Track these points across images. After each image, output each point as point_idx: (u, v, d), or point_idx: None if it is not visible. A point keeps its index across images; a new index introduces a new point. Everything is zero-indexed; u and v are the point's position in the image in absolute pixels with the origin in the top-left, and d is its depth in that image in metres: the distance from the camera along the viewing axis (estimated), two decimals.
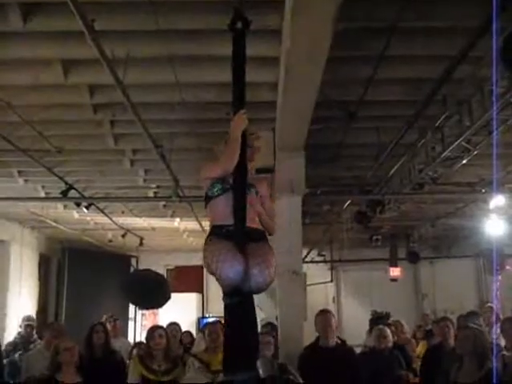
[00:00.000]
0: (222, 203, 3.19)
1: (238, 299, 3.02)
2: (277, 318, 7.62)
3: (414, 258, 14.24)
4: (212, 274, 3.06)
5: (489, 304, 9.96)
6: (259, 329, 8.80)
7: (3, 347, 7.29)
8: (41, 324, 10.62)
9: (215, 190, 3.23)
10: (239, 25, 3.35)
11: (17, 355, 6.53)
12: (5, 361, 6.74)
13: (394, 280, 14.46)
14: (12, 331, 10.67)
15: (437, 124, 6.61)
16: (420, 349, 8.38)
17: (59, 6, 4.15)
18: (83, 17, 3.86)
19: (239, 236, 3.07)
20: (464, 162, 7.05)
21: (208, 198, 3.28)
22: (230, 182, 3.18)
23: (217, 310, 12.50)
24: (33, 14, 4.56)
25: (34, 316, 9.84)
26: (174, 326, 6.98)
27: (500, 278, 13.63)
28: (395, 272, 14.39)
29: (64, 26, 4.65)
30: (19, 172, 8.83)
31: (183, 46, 5.03)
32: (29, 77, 5.64)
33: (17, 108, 6.19)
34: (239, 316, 3.06)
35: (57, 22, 4.63)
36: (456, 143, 6.41)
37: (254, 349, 3.15)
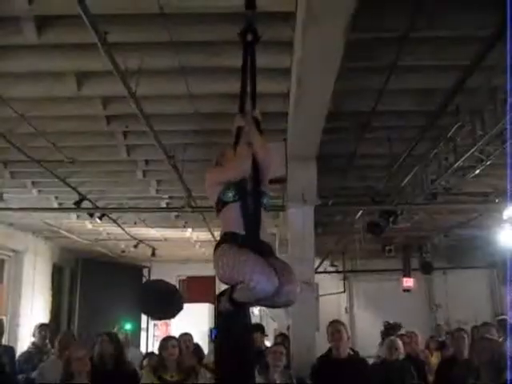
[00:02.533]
0: (237, 210, 3.11)
1: (242, 309, 2.98)
2: (288, 328, 7.60)
3: (427, 268, 14.15)
4: (231, 281, 2.98)
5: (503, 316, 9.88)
6: (272, 339, 8.78)
7: (16, 357, 7.31)
8: (54, 333, 10.65)
9: (231, 194, 3.13)
10: (249, 37, 3.38)
11: (34, 374, 6.49)
12: (20, 376, 6.73)
13: (406, 290, 14.37)
14: (25, 342, 10.72)
15: (449, 134, 6.58)
16: (434, 360, 8.31)
17: (73, 19, 4.19)
18: (96, 29, 3.90)
19: (257, 247, 3.02)
20: (477, 171, 7.02)
21: (223, 203, 3.18)
22: (246, 187, 3.13)
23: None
24: (47, 26, 4.62)
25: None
26: (186, 336, 6.96)
27: None
28: (408, 282, 14.30)
29: (77, 39, 4.70)
30: (33, 183, 8.90)
31: (195, 57, 5.06)
32: (43, 89, 5.69)
33: (31, 119, 6.25)
34: (240, 325, 3.01)
35: (70, 35, 4.68)
36: (469, 153, 6.38)
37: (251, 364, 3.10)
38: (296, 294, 3.02)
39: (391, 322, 11.79)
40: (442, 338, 9.40)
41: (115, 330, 8.51)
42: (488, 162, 6.68)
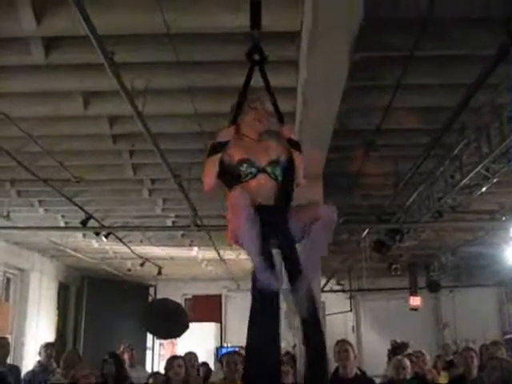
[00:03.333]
0: (254, 186, 2.98)
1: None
2: (294, 347, 7.54)
3: (434, 287, 14.07)
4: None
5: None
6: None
7: (22, 376, 7.29)
8: (60, 352, 10.62)
9: (247, 172, 3.00)
10: (256, 56, 3.40)
11: None
12: None
13: (414, 309, 14.27)
14: (30, 360, 10.68)
15: (455, 152, 6.59)
16: (441, 380, 8.22)
17: (80, 39, 4.23)
18: (103, 49, 3.94)
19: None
20: (483, 189, 7.01)
21: (236, 180, 3.02)
22: (257, 164, 3.01)
23: (235, 340, 12.44)
24: (54, 47, 4.67)
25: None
26: (190, 355, 6.93)
27: None
28: (415, 301, 14.21)
29: (84, 59, 4.74)
30: (40, 201, 8.94)
31: (201, 76, 5.10)
32: (50, 108, 5.74)
33: (38, 138, 6.29)
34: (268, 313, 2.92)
35: (77, 55, 4.73)
36: (475, 171, 6.38)
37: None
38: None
39: (398, 341, 11.72)
40: (450, 357, 9.31)
41: (121, 349, 8.47)
42: (494, 180, 6.68)
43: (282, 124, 3.28)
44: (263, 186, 3.00)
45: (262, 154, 3.07)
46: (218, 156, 3.06)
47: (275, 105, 3.33)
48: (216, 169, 3.05)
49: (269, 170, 3.03)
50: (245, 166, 3.02)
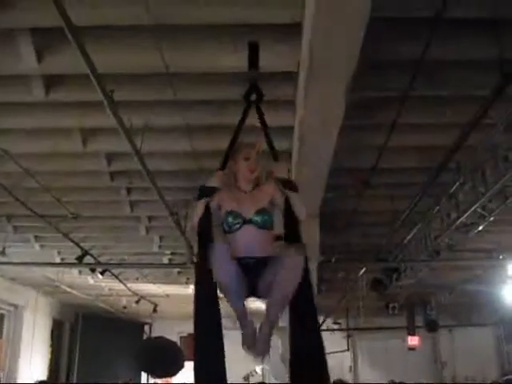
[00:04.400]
0: (240, 237, 3.00)
1: None
2: None
3: (432, 326, 13.96)
4: None
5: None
6: None
7: None
8: None
9: (233, 223, 3.02)
10: (253, 96, 3.45)
11: None
12: None
13: (412, 349, 14.14)
14: None
15: (451, 191, 6.61)
16: None
17: (80, 78, 4.28)
18: (103, 88, 3.98)
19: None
20: (480, 228, 7.01)
21: (223, 231, 3.08)
22: (243, 215, 3.03)
23: (231, 379, 12.21)
24: (54, 85, 4.72)
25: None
26: None
27: None
28: (413, 341, 14.08)
29: (84, 97, 4.79)
30: (35, 237, 8.91)
31: (199, 115, 5.15)
32: (49, 145, 5.77)
33: (36, 174, 6.31)
34: None
35: (77, 93, 4.78)
36: (471, 210, 6.39)
37: None
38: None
39: (397, 381, 11.58)
40: None
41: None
42: (491, 219, 6.68)
43: (277, 162, 3.31)
44: (248, 238, 3.01)
45: (250, 204, 3.08)
46: (204, 200, 3.13)
47: (270, 143, 3.37)
48: (201, 211, 3.11)
49: (255, 219, 3.03)
50: (231, 217, 3.05)
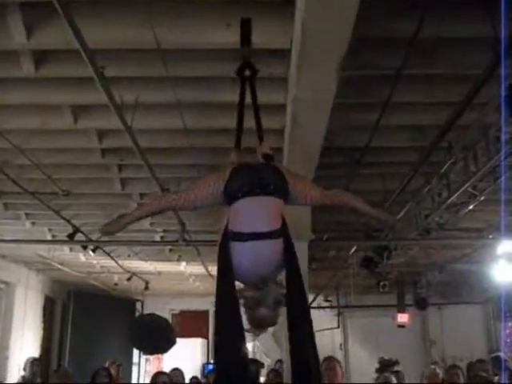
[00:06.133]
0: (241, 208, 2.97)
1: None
2: (276, 363, 7.49)
3: (422, 304, 14.09)
4: None
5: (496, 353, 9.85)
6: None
7: None
8: (44, 367, 10.50)
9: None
10: (247, 72, 3.44)
11: None
12: None
13: (401, 326, 14.28)
14: (13, 374, 10.57)
15: (442, 170, 6.63)
16: None
17: (70, 53, 4.24)
18: (94, 64, 3.95)
19: None
20: (470, 207, 7.05)
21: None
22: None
23: None
24: (44, 60, 4.67)
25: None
26: (176, 371, 6.90)
27: (510, 324, 13.46)
28: (403, 318, 14.22)
29: (74, 73, 4.74)
30: (26, 214, 8.88)
31: (191, 92, 5.11)
32: (39, 121, 5.73)
33: (26, 151, 6.27)
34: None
35: (67, 69, 4.72)
36: (462, 189, 6.42)
37: None
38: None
39: (386, 358, 11.69)
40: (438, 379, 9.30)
41: (107, 364, 8.41)
42: (481, 198, 6.72)
43: (261, 141, 3.34)
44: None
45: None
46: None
47: (258, 122, 3.38)
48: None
49: None
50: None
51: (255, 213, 2.95)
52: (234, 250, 2.87)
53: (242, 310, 2.83)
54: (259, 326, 2.87)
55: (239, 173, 3.02)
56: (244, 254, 2.87)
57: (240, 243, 2.87)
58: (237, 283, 2.89)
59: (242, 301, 2.83)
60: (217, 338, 2.85)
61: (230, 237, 2.90)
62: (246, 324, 2.83)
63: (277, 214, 2.99)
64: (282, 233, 2.96)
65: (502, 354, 9.45)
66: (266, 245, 2.90)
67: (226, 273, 2.86)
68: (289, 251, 2.94)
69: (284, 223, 3.00)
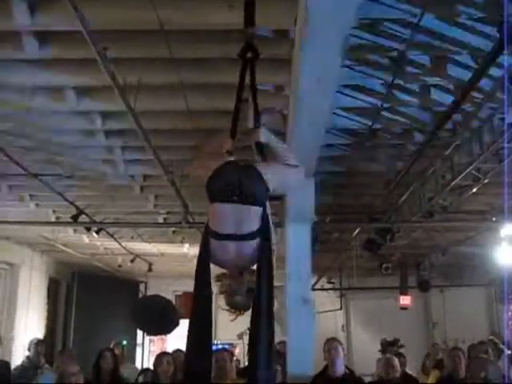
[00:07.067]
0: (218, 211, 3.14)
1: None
2: (278, 344, 7.52)
3: (425, 286, 14.12)
4: None
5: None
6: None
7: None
8: (49, 348, 10.58)
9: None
10: (249, 54, 3.41)
11: None
12: None
13: (404, 308, 14.33)
14: (19, 355, 10.66)
15: (447, 152, 6.61)
16: (431, 379, 8.26)
17: (73, 35, 4.21)
18: (96, 45, 3.92)
19: None
20: (474, 190, 7.03)
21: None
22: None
23: (225, 336, 12.45)
24: (47, 41, 4.64)
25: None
26: (179, 352, 6.93)
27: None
28: (405, 300, 14.26)
29: (77, 54, 4.71)
30: (30, 196, 8.90)
31: (195, 73, 5.08)
32: (41, 102, 5.70)
33: (29, 133, 6.25)
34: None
35: (70, 50, 4.70)
36: (466, 171, 6.40)
37: None
38: None
39: (389, 339, 11.76)
40: (440, 357, 9.36)
41: (111, 345, 8.47)
42: (485, 181, 6.71)
43: (255, 129, 3.32)
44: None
45: None
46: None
47: (255, 105, 3.36)
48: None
49: None
50: None
51: (230, 219, 3.05)
52: (211, 244, 3.07)
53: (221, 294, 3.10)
54: (235, 308, 3.09)
55: (221, 175, 3.11)
56: (219, 250, 3.04)
57: (216, 240, 3.05)
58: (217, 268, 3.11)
59: (219, 286, 3.10)
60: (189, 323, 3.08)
61: (208, 232, 3.10)
62: (223, 305, 3.09)
63: (254, 219, 3.06)
64: (259, 233, 3.04)
65: (504, 335, 9.48)
66: (240, 245, 3.03)
67: (202, 262, 3.07)
68: (263, 250, 3.03)
69: (264, 223, 3.06)
